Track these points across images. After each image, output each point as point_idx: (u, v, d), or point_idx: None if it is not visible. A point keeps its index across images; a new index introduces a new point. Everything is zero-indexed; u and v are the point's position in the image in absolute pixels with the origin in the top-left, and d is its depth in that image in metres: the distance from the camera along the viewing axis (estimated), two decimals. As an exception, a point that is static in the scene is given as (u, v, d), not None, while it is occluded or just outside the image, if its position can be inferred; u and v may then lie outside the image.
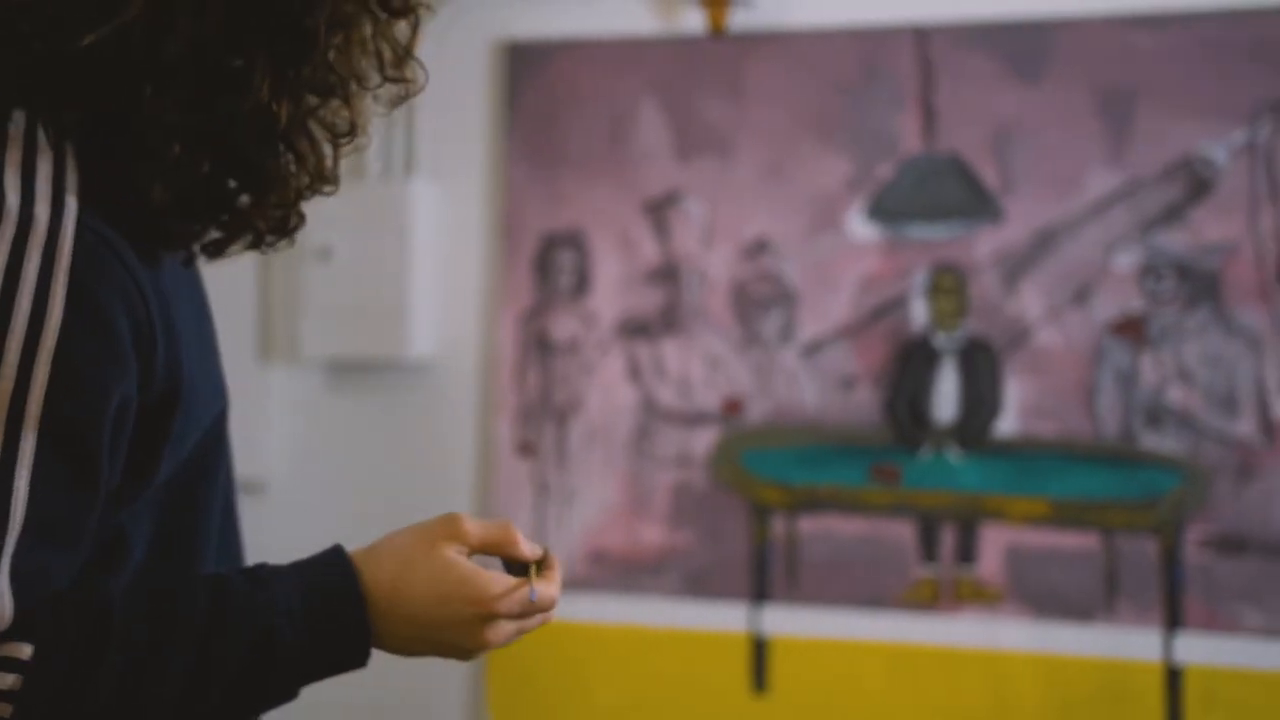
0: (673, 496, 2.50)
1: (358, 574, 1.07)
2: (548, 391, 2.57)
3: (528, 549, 1.12)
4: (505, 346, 2.59)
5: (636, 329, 2.53)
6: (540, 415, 2.57)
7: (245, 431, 2.67)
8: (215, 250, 1.10)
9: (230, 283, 2.69)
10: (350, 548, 1.12)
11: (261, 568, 1.09)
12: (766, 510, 2.46)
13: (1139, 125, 2.31)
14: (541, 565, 1.11)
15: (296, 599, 1.05)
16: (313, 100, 1.04)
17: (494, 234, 2.62)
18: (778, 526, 2.45)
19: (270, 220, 1.07)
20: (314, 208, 2.62)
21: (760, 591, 2.45)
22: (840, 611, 2.42)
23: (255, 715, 1.10)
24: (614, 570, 2.52)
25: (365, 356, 2.62)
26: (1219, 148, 2.28)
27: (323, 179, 1.08)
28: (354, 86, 1.06)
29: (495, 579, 1.08)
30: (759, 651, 2.45)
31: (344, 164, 2.73)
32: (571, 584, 2.52)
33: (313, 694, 2.72)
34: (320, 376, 2.71)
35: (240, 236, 1.08)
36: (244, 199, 1.05)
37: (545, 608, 1.10)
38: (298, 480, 2.69)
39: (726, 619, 2.46)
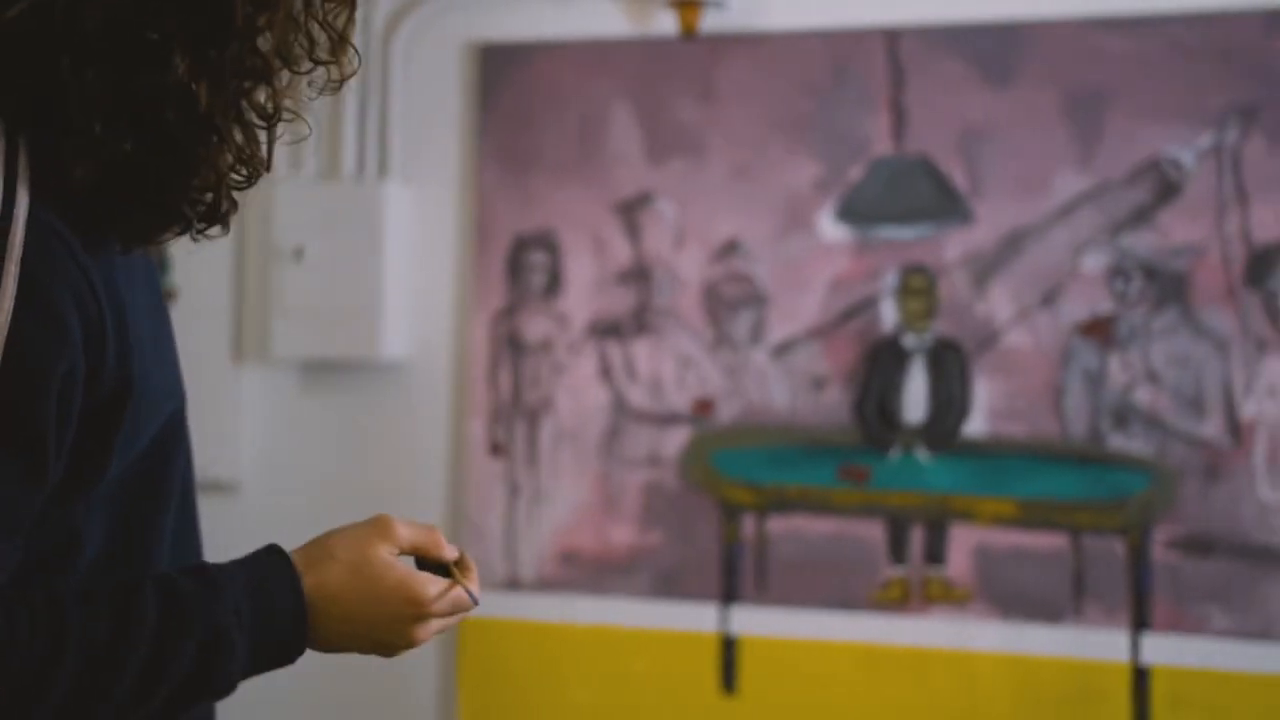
0: (643, 497, 2.50)
1: (300, 576, 1.08)
2: (519, 392, 2.57)
3: (449, 551, 1.15)
4: (477, 347, 2.59)
5: (608, 330, 2.54)
6: (512, 415, 2.57)
7: (217, 432, 2.69)
8: (144, 236, 1.08)
9: (204, 283, 2.70)
10: None
11: (206, 567, 1.10)
12: (736, 510, 2.46)
13: (1107, 128, 2.32)
14: (460, 565, 1.15)
15: (244, 599, 1.06)
16: (239, 82, 1.03)
17: (466, 235, 2.63)
18: (748, 527, 2.46)
19: (197, 205, 1.06)
20: (287, 208, 2.63)
21: (730, 592, 2.46)
22: (809, 612, 2.42)
23: (192, 709, 1.11)
24: (585, 570, 2.53)
25: (338, 357, 2.62)
26: (1187, 150, 2.29)
27: (252, 164, 1.06)
28: (283, 70, 1.05)
29: (431, 581, 1.11)
30: (728, 652, 2.46)
31: (317, 164, 2.73)
32: (542, 584, 2.53)
33: (282, 695, 2.72)
34: (293, 377, 2.71)
35: (168, 221, 1.07)
36: (168, 181, 1.03)
37: (469, 606, 1.14)
38: (270, 480, 2.69)
39: (697, 619, 2.47)
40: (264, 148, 1.06)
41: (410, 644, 1.13)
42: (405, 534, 1.12)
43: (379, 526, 1.12)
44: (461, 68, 2.64)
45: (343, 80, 1.08)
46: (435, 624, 1.13)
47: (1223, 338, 2.27)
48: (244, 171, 1.06)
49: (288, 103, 1.06)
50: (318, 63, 1.07)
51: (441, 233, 2.64)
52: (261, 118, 1.05)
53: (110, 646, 1.01)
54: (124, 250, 1.07)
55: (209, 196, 1.05)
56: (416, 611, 1.10)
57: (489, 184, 2.59)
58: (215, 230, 1.09)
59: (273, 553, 1.10)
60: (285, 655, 1.09)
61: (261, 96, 1.04)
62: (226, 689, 1.08)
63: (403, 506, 2.64)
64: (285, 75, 1.05)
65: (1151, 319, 2.30)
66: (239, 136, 1.04)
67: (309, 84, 1.07)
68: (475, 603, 1.13)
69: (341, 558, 1.10)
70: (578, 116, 2.56)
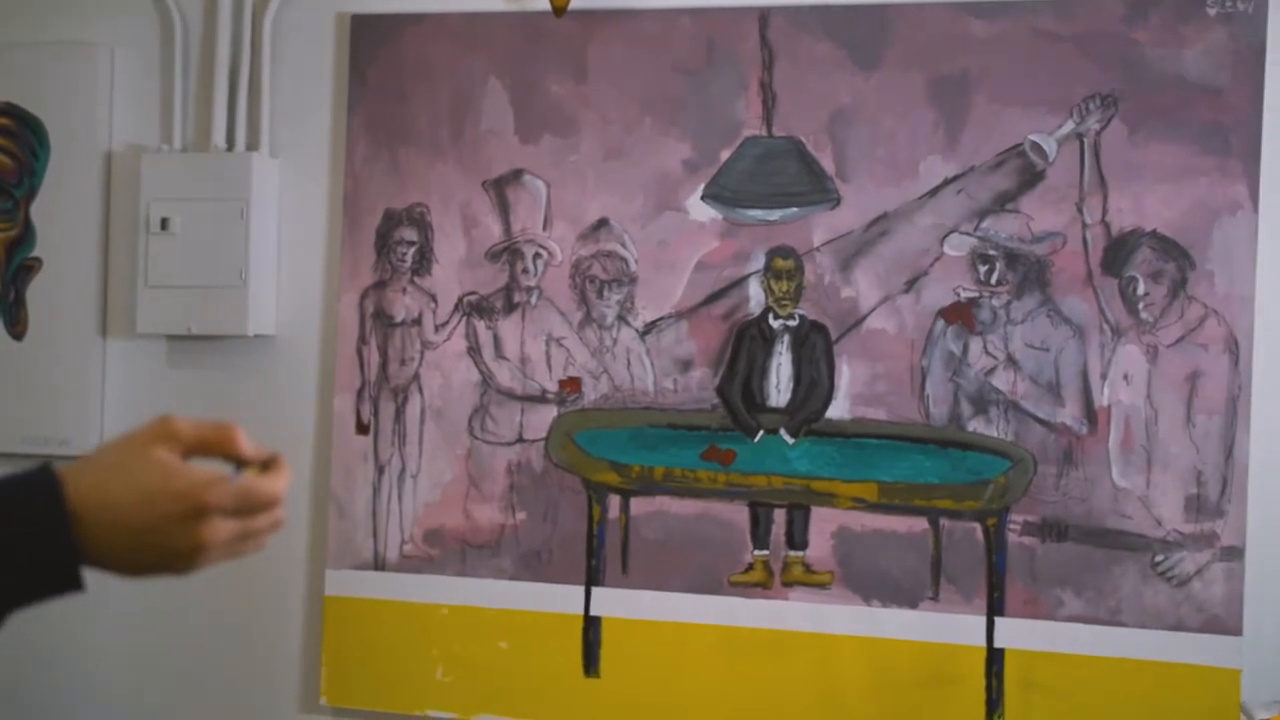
0: (509, 476, 2.49)
1: (60, 483, 1.01)
2: (387, 369, 2.55)
3: (251, 449, 1.06)
4: (345, 323, 2.57)
5: (477, 307, 2.52)
6: (379, 393, 2.55)
7: (82, 405, 2.64)
8: None
9: (70, 256, 2.66)
10: None
11: None
12: (602, 491, 2.45)
13: (972, 113, 2.33)
14: (269, 466, 1.06)
15: None
16: None
17: (336, 210, 2.60)
18: (613, 508, 2.45)
19: None
20: (155, 181, 2.58)
21: (594, 573, 2.45)
22: (672, 594, 2.42)
23: None
24: (450, 550, 2.51)
25: (205, 331, 2.58)
26: (1049, 137, 2.29)
27: None
28: None
29: (201, 470, 1.02)
30: (591, 633, 2.45)
31: (185, 137, 2.68)
32: (407, 563, 2.51)
33: (139, 673, 2.68)
34: (159, 351, 2.67)
35: None
36: None
37: (264, 502, 1.04)
38: (135, 456, 2.64)
39: (561, 600, 2.46)
40: None
41: (198, 546, 1.02)
42: (188, 429, 1.04)
43: (155, 425, 1.04)
44: (333, 40, 2.61)
45: None
46: (224, 523, 1.03)
47: (1081, 324, 2.28)
48: None
49: None
50: None
51: (311, 207, 2.61)
52: None
53: None
54: None
55: None
56: (187, 506, 1.01)
57: (359, 158, 2.56)
58: None
59: (37, 468, 1.04)
60: (54, 569, 1.01)
61: None
62: None
63: (266, 483, 2.61)
64: None
65: (1012, 304, 2.31)
66: None
67: None
68: (255, 495, 1.02)
69: (108, 461, 1.03)
70: (449, 91, 2.53)
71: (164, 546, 1.03)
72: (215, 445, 1.05)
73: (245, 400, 2.62)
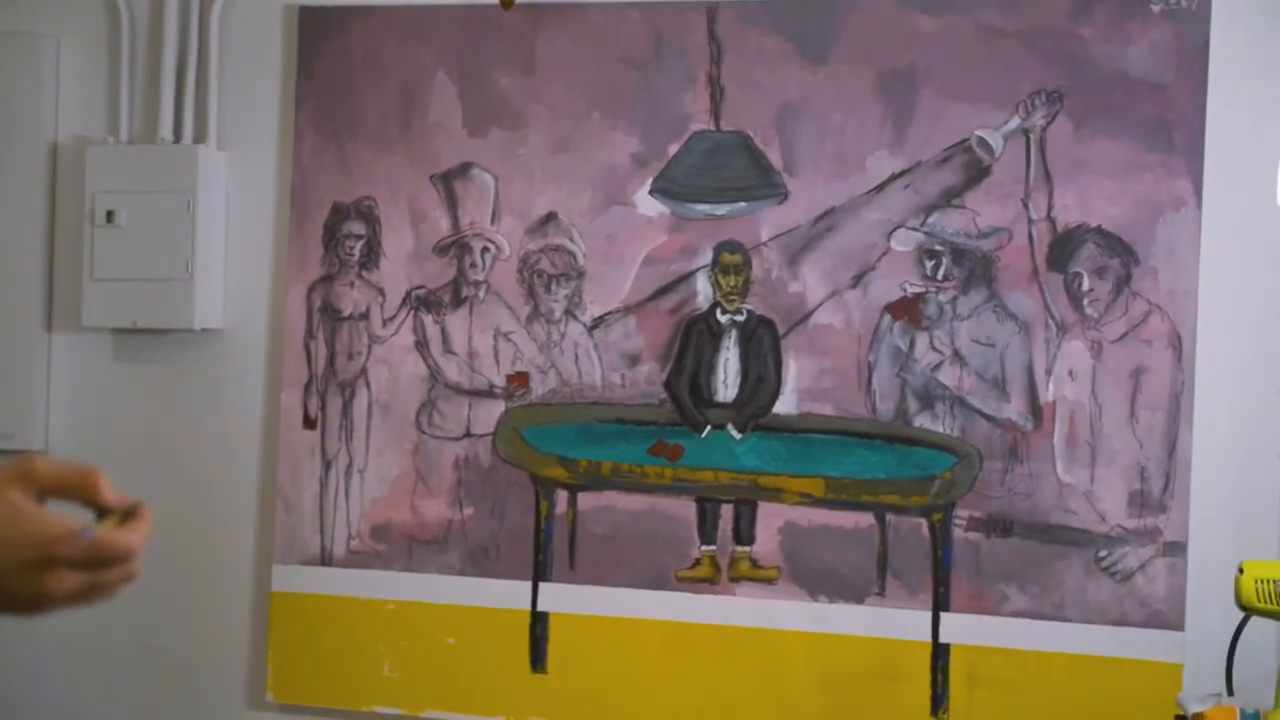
0: (456, 471, 2.48)
1: None
2: (334, 363, 2.53)
3: (113, 497, 1.01)
4: (293, 317, 2.55)
5: (425, 302, 2.50)
6: (327, 387, 2.53)
7: (26, 399, 2.62)
8: None
9: (15, 249, 2.63)
10: None
11: None
12: (549, 486, 2.44)
13: (919, 109, 2.32)
14: (130, 516, 1.01)
15: None
16: None
17: (283, 203, 2.58)
18: (560, 503, 2.44)
19: None
20: (101, 173, 2.56)
21: (541, 569, 2.44)
22: (619, 589, 2.41)
23: None
24: (397, 545, 2.50)
25: (151, 325, 2.56)
26: (996, 133, 2.29)
27: None
28: None
29: (56, 520, 0.98)
30: (539, 629, 2.44)
31: (132, 129, 2.65)
32: (354, 558, 2.49)
33: (86, 670, 2.65)
34: (105, 344, 2.65)
35: None
36: None
37: (117, 557, 0.99)
38: (81, 449, 2.62)
39: (508, 595, 2.45)
40: None
41: (42, 597, 0.98)
42: (48, 472, 0.99)
43: (15, 464, 0.99)
44: (280, 32, 2.59)
45: None
46: (72, 576, 0.98)
47: (1026, 320, 2.28)
48: None
49: None
50: None
51: (258, 200, 2.59)
52: None
53: None
54: None
55: None
56: (36, 554, 0.96)
57: (307, 151, 2.55)
58: None
59: None
60: None
61: None
62: None
63: (215, 478, 2.60)
64: None
65: (959, 300, 2.31)
66: None
67: None
68: (107, 550, 0.97)
69: None
70: (397, 84, 2.52)
71: (5, 591, 0.98)
72: (76, 489, 1.01)
73: (192, 394, 2.61)
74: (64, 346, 2.65)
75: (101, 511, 1.00)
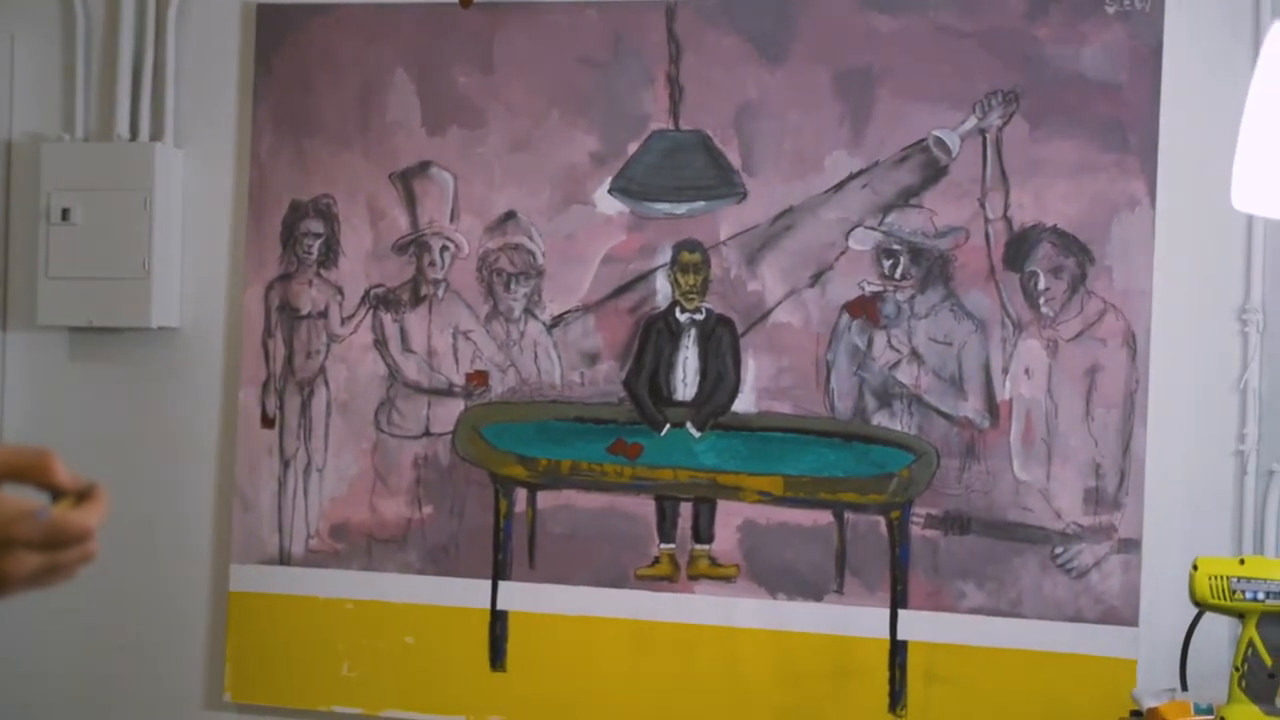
0: (415, 470, 2.47)
1: None
2: (293, 362, 2.52)
3: (68, 478, 1.00)
4: (250, 316, 2.54)
5: (383, 300, 2.50)
6: (285, 386, 2.53)
7: (-20, 399, 2.60)
8: None
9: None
10: None
11: None
12: (508, 485, 2.44)
13: (877, 108, 2.33)
14: (84, 497, 1.00)
15: None
16: None
17: (241, 201, 2.57)
18: (519, 501, 2.44)
19: None
20: (56, 170, 2.54)
21: (501, 567, 2.44)
22: (579, 587, 2.41)
23: None
24: (356, 544, 2.49)
25: (107, 323, 2.55)
26: (952, 133, 2.31)
27: None
28: None
29: (11, 502, 0.97)
30: (498, 627, 2.44)
31: (88, 125, 2.64)
32: (313, 558, 2.49)
33: (43, 665, 2.63)
34: (60, 343, 2.63)
35: None
36: None
37: (74, 537, 0.98)
38: (36, 450, 2.60)
39: (468, 594, 2.45)
40: None
41: (0, 579, 0.96)
42: (0, 456, 0.97)
43: None
44: (238, 29, 2.57)
45: None
46: (28, 557, 0.97)
47: (983, 318, 2.29)
48: None
49: None
50: None
51: (215, 198, 2.58)
52: None
53: None
54: None
55: None
56: None
57: (265, 149, 2.54)
58: None
59: None
60: None
61: None
62: None
63: (173, 477, 2.59)
64: None
65: (916, 299, 2.32)
66: None
67: None
68: (63, 530, 0.97)
69: None
70: (356, 82, 2.51)
71: None
72: (29, 472, 0.99)
73: (149, 393, 2.59)
74: (19, 345, 2.63)
75: (56, 493, 1.00)
